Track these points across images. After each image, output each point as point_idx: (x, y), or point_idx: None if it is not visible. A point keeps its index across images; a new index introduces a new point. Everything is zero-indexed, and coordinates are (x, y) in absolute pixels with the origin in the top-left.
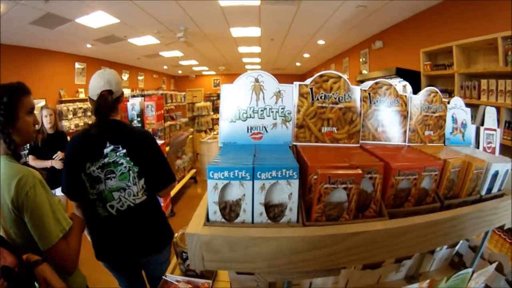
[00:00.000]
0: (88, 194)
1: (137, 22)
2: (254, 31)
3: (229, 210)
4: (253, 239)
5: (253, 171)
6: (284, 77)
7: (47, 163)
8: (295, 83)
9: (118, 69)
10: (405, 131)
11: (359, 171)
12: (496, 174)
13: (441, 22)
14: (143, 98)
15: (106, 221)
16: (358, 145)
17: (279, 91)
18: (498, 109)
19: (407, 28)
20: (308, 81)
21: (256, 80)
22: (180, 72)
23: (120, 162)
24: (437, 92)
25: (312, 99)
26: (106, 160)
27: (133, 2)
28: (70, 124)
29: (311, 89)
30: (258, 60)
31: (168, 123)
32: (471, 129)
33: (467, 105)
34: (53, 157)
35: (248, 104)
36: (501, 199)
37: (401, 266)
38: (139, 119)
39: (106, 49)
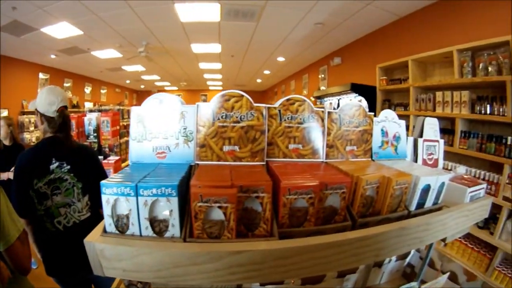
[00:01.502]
0: (36, 210)
1: (100, 35)
2: (215, 48)
3: (121, 223)
4: (135, 250)
5: (136, 188)
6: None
7: (4, 175)
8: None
9: (81, 82)
10: (321, 147)
11: (233, 190)
12: (427, 188)
13: (397, 38)
14: (99, 113)
15: (54, 237)
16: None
17: (182, 112)
18: (454, 120)
19: (365, 45)
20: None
21: (161, 102)
22: (142, 87)
23: (65, 178)
24: (360, 106)
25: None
26: (52, 176)
27: (97, 15)
28: (31, 137)
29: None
30: (219, 76)
31: (125, 139)
32: (405, 142)
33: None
34: (11, 169)
35: (153, 125)
36: (435, 214)
37: (344, 281)
38: (95, 134)
39: (70, 61)
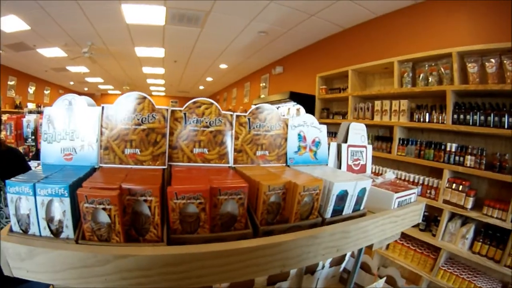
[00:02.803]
0: None
1: (47, 31)
2: (158, 52)
3: (23, 222)
4: (33, 250)
5: (34, 187)
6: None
7: None
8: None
9: (26, 81)
10: (229, 152)
11: (115, 192)
12: (343, 194)
13: (339, 49)
14: (38, 114)
15: None
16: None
17: (87, 114)
18: (392, 128)
19: (307, 54)
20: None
21: (70, 103)
22: (86, 89)
23: None
24: (272, 110)
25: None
26: None
27: (45, 10)
28: None
29: (185, 114)
30: (162, 81)
31: None
32: (326, 147)
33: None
34: None
35: (61, 126)
36: (354, 221)
37: None
38: (33, 137)
39: (15, 57)
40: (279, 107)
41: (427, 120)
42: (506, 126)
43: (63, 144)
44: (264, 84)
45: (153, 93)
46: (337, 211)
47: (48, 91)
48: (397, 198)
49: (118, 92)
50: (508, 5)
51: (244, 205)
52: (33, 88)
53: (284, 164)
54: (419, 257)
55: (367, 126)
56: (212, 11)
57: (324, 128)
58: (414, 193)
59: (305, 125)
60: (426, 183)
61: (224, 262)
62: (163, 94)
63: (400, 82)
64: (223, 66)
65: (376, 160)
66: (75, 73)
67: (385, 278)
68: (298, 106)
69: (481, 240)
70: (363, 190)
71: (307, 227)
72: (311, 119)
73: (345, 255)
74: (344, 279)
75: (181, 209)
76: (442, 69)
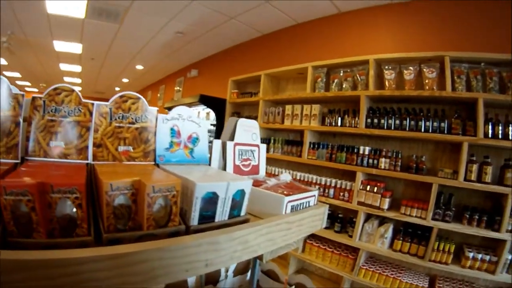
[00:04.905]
0: None
1: None
2: (76, 48)
3: None
4: None
5: None
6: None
7: None
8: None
9: None
10: (86, 146)
11: None
12: (213, 197)
13: (255, 54)
14: None
15: None
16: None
17: None
18: (303, 132)
19: (223, 58)
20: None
21: None
22: None
23: None
24: (138, 98)
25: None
26: None
27: None
28: None
29: (110, 109)
30: (78, 80)
31: None
32: (207, 145)
33: (272, 129)
34: None
35: None
36: (226, 230)
37: None
38: None
39: None
40: None
41: (339, 124)
42: (422, 130)
43: None
44: (178, 87)
45: None
46: (207, 217)
47: None
48: (289, 202)
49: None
50: (427, 15)
51: (83, 206)
52: None
53: (153, 163)
54: (337, 258)
55: (277, 130)
56: (132, 7)
57: (204, 123)
58: (314, 195)
59: (180, 119)
60: (339, 185)
61: (56, 274)
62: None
63: (313, 87)
64: (139, 67)
65: (286, 164)
66: None
67: (294, 286)
68: (208, 110)
69: (401, 239)
70: (240, 193)
71: (166, 236)
72: (188, 112)
73: (249, 261)
74: None
75: (12, 208)
76: (358, 75)
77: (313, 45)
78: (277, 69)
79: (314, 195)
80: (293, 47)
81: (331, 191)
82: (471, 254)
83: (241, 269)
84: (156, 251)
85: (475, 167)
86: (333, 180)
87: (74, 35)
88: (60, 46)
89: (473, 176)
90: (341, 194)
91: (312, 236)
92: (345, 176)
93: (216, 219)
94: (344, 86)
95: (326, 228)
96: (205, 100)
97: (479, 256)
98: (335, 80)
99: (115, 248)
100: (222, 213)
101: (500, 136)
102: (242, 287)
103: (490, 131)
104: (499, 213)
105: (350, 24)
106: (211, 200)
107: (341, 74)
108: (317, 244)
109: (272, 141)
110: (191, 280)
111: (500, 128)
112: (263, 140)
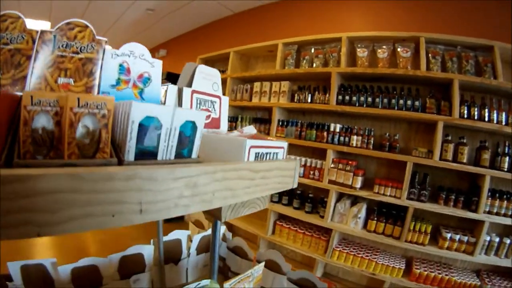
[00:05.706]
0: None
1: None
2: (44, 26)
3: None
4: None
5: None
6: None
7: None
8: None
9: None
10: (24, 77)
11: None
12: (154, 125)
13: (224, 32)
14: None
15: None
16: None
17: None
18: (271, 109)
19: (192, 38)
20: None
21: None
22: None
23: None
24: (86, 27)
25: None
26: None
27: None
28: None
29: (55, 36)
30: None
31: None
32: (159, 88)
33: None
34: None
35: None
36: (169, 167)
37: (132, 283)
38: None
39: None
40: None
41: (309, 101)
42: (396, 108)
43: None
44: None
45: None
46: (147, 153)
47: None
48: (253, 147)
49: None
50: None
51: None
52: None
53: None
54: (309, 240)
55: (246, 108)
56: None
57: (158, 64)
58: (283, 147)
59: (132, 56)
60: (309, 164)
61: None
62: None
63: (283, 64)
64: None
65: None
66: None
67: (263, 263)
68: (175, 86)
69: (375, 219)
70: (191, 127)
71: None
72: (142, 50)
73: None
74: (220, 267)
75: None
76: (329, 53)
77: (285, 23)
78: (247, 46)
79: (283, 147)
80: (265, 25)
81: (301, 170)
82: (448, 235)
83: (205, 246)
84: (69, 178)
85: (451, 147)
86: (303, 159)
87: (42, 13)
88: (28, 24)
89: (449, 156)
90: (311, 172)
91: (283, 218)
92: (315, 154)
93: (159, 157)
94: (315, 63)
95: (296, 208)
96: (172, 78)
97: (457, 237)
98: (306, 57)
99: (13, 170)
100: (166, 150)
101: (475, 118)
102: (208, 267)
103: (465, 112)
104: (476, 194)
105: (322, 1)
106: (153, 129)
107: (312, 51)
108: (288, 226)
109: (239, 119)
110: (148, 257)
111: (476, 109)
112: (230, 119)
